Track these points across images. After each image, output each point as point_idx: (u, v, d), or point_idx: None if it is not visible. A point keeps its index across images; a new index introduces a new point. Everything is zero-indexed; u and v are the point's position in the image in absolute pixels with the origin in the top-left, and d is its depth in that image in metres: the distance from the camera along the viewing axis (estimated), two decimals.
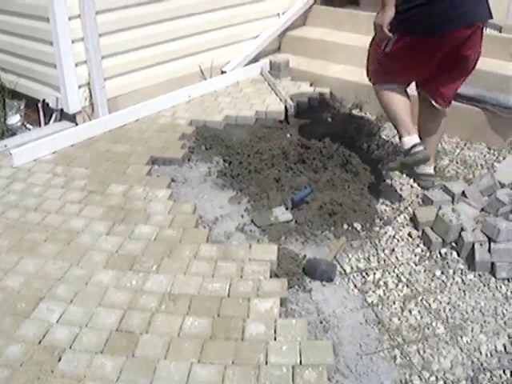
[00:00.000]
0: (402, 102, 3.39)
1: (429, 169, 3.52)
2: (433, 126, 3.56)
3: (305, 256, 2.87)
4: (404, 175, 3.66)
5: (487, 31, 3.56)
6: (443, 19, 3.05)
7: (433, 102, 3.44)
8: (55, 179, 3.41)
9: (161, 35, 4.43)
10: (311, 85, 4.85)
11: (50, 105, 4.17)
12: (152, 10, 4.31)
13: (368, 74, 3.57)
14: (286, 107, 4.35)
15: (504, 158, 3.90)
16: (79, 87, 4.06)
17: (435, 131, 3.58)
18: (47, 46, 4.01)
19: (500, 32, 4.37)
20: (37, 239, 2.84)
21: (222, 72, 4.93)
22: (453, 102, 3.58)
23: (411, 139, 3.29)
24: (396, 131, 3.44)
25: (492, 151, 4.01)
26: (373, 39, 3.41)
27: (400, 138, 3.36)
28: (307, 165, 3.53)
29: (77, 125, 4.09)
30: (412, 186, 3.56)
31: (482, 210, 3.26)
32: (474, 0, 3.11)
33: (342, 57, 4.98)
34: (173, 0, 4.42)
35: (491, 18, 3.20)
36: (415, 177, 3.59)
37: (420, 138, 3.34)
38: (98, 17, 3.95)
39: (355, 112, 4.54)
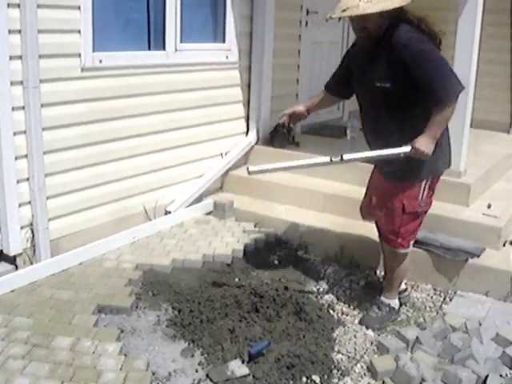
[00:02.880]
0: None
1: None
2: None
3: None
4: (356, 321, 3.65)
5: None
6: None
7: None
8: None
9: (105, 175, 4.40)
10: (256, 225, 4.87)
11: None
12: (97, 151, 4.29)
13: (398, 241, 3.54)
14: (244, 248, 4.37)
15: (451, 300, 3.95)
16: (21, 228, 3.90)
17: None
18: None
19: None
20: None
21: (167, 212, 4.89)
22: None
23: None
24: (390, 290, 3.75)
25: (438, 292, 4.06)
26: (389, 199, 3.46)
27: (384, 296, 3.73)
28: (261, 314, 3.44)
29: (17, 267, 3.89)
30: (365, 334, 3.52)
31: (438, 355, 3.24)
32: None
33: (284, 197, 5.06)
34: (116, 142, 4.43)
35: None
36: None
37: None
38: (45, 157, 3.90)
39: (300, 253, 4.55)
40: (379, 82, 3.24)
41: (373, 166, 3.74)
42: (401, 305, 3.79)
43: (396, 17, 3.19)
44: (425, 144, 3.16)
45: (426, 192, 3.41)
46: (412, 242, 3.61)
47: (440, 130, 3.18)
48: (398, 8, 3.14)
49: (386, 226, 3.57)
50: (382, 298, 3.73)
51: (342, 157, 3.29)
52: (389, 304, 3.70)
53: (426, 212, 3.53)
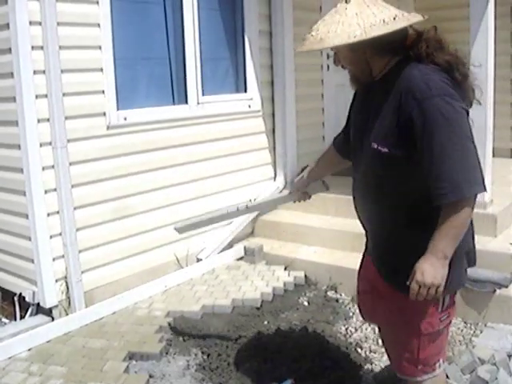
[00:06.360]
0: None
1: None
2: None
3: None
4: (384, 357, 3.64)
5: None
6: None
7: None
8: (30, 379, 3.31)
9: (135, 228, 4.56)
10: (286, 268, 4.94)
11: (27, 299, 4.15)
12: (126, 204, 4.48)
13: (418, 369, 2.39)
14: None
15: (481, 332, 3.92)
16: (56, 281, 4.08)
17: None
18: (25, 240, 4.10)
19: None
20: None
21: (198, 259, 5.01)
22: None
23: None
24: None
25: (468, 325, 4.03)
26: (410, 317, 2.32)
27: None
28: (286, 355, 3.50)
29: (53, 319, 4.06)
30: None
31: None
32: None
33: (313, 239, 5.12)
34: (144, 195, 4.60)
35: None
36: None
37: None
38: (76, 212, 4.09)
39: (330, 294, 4.59)
40: (376, 142, 2.20)
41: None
42: None
43: (402, 50, 2.17)
44: (430, 271, 2.09)
45: (446, 303, 2.34)
46: (443, 360, 2.48)
47: (452, 243, 2.09)
48: (399, 38, 2.13)
49: (397, 351, 2.46)
50: None
51: (246, 205, 2.98)
52: None
53: (450, 322, 2.43)
